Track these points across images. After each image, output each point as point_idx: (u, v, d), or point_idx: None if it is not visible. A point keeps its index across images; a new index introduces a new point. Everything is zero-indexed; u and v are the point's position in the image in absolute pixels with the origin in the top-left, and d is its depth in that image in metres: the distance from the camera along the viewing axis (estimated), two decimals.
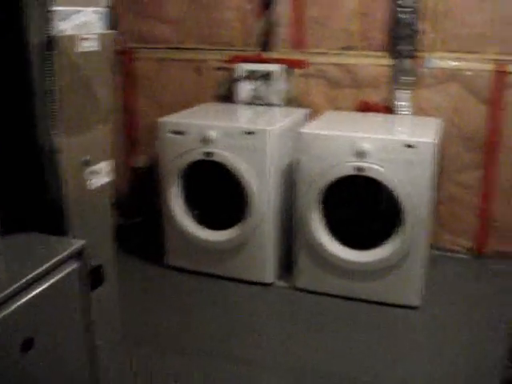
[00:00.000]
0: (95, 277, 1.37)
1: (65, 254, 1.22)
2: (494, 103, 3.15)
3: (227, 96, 3.53)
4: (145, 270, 3.26)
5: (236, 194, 2.97)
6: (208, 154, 2.93)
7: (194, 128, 2.95)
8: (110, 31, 1.47)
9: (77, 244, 1.26)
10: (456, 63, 3.16)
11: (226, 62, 3.50)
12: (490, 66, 3.11)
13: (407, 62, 3.17)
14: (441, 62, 3.17)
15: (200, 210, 3.16)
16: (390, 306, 2.87)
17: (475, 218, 3.36)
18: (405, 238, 2.74)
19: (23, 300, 1.10)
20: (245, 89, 3.44)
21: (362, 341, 2.63)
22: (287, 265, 3.17)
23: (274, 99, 3.39)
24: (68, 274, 1.22)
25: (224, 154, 2.90)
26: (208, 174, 3.09)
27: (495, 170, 3.25)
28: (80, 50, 1.37)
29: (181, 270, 3.19)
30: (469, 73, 3.15)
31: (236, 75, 3.43)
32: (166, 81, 3.64)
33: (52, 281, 1.18)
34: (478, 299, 2.99)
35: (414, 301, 2.86)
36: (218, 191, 3.15)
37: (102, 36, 1.44)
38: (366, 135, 2.73)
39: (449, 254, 3.42)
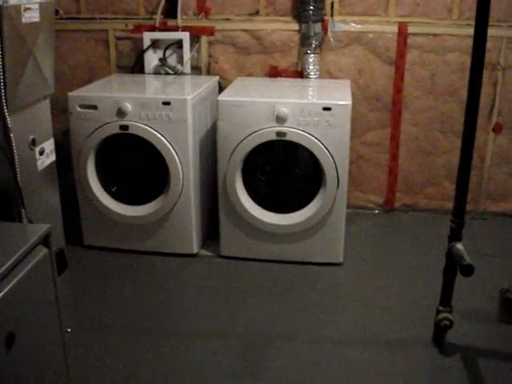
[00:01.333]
0: (60, 261, 1.31)
1: (34, 239, 1.16)
2: (397, 64, 3.29)
3: (133, 66, 3.43)
4: None
5: (156, 166, 2.92)
6: (123, 127, 2.84)
7: (107, 101, 2.84)
8: (50, 0, 1.38)
9: (43, 229, 1.20)
10: (360, 26, 3.26)
11: (130, 31, 3.39)
12: (392, 28, 3.23)
13: (313, 26, 3.22)
14: (345, 25, 3.26)
15: (119, 186, 3.08)
16: (315, 265, 2.96)
17: (384, 175, 3.52)
18: (326, 198, 2.82)
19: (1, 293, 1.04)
20: (152, 58, 3.36)
21: (290, 301, 2.70)
22: (212, 233, 3.18)
23: (183, 68, 3.34)
24: (39, 261, 1.16)
25: (140, 127, 2.83)
26: (126, 148, 3.00)
27: (400, 129, 3.41)
28: (23, 20, 1.28)
29: (102, 249, 3.11)
30: (372, 35, 3.27)
31: (141, 45, 3.34)
32: (66, 53, 3.47)
33: (25, 269, 1.12)
34: (393, 249, 3.16)
35: (338, 258, 2.97)
36: (137, 165, 3.08)
37: (42, 6, 1.35)
38: (284, 100, 2.77)
39: (362, 211, 3.57)
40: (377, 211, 3.58)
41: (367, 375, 2.23)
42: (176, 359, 2.32)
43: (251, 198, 2.92)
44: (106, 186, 3.03)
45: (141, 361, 2.30)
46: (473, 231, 3.23)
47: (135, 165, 3.09)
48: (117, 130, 2.85)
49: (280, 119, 2.73)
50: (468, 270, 2.05)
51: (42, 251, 1.19)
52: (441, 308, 2.34)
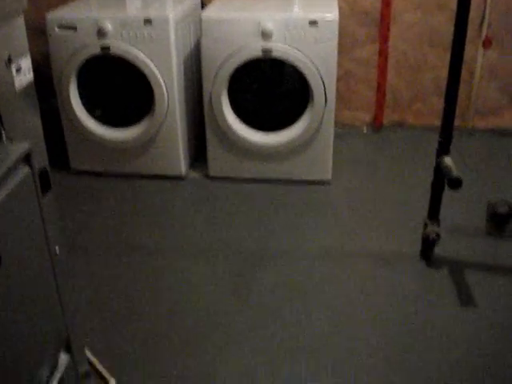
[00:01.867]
0: (43, 182, 1.29)
1: (15, 158, 1.13)
2: None
3: None
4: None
5: (140, 88, 2.86)
6: (105, 48, 2.76)
7: (87, 21, 2.75)
8: None
9: (24, 147, 1.17)
10: None
11: None
12: None
13: None
14: None
15: (103, 109, 3.02)
16: (303, 184, 2.96)
17: (372, 92, 3.47)
18: (313, 116, 2.79)
19: None
20: None
21: (279, 219, 2.72)
22: (200, 155, 3.16)
23: None
24: (22, 180, 1.14)
25: (122, 47, 2.75)
26: (109, 70, 2.93)
27: (388, 44, 3.34)
28: None
29: (89, 174, 3.09)
30: None
31: None
32: None
33: (9, 190, 1.09)
34: (382, 166, 3.16)
35: (326, 176, 2.97)
36: (121, 87, 3.01)
37: None
38: (269, 15, 2.69)
39: (351, 129, 3.55)
40: (365, 129, 3.55)
41: (355, 289, 2.27)
42: (168, 277, 2.34)
43: (238, 117, 2.88)
44: (90, 109, 2.97)
45: (133, 280, 2.33)
46: (461, 147, 3.23)
47: (119, 87, 3.03)
48: (98, 52, 2.77)
49: (265, 35, 2.65)
50: (456, 183, 2.06)
51: (24, 170, 1.17)
52: (428, 222, 2.36)
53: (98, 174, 3.08)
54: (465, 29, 2.07)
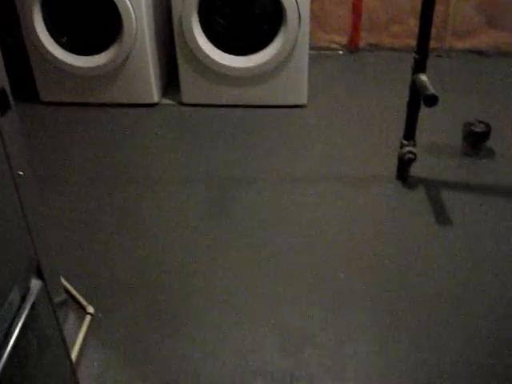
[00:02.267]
0: (2, 100, 1.23)
1: None
2: None
3: None
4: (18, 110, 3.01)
5: (107, 12, 2.75)
6: None
7: None
8: None
9: None
10: None
11: None
12: None
13: None
14: None
15: (70, 37, 2.91)
16: (279, 108, 2.92)
17: (347, 13, 3.38)
18: (287, 37, 2.72)
19: None
20: None
21: (254, 144, 2.69)
22: (172, 82, 3.08)
23: None
24: None
25: None
26: None
27: None
28: None
29: (59, 105, 3.00)
30: None
31: None
32: None
33: None
34: (358, 89, 3.12)
35: (302, 99, 2.92)
36: (87, 13, 2.89)
37: None
38: None
39: (326, 52, 3.47)
40: (341, 52, 3.48)
41: (332, 211, 2.27)
42: (147, 204, 2.32)
43: (210, 41, 2.79)
44: (56, 36, 2.86)
45: (111, 207, 2.30)
46: (438, 68, 3.19)
47: (85, 12, 2.90)
48: None
49: None
50: (431, 100, 2.03)
51: None
52: (404, 142, 2.34)
53: (69, 105, 2.99)
54: None
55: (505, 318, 1.82)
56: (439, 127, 2.72)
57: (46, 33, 2.82)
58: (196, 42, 2.75)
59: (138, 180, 2.47)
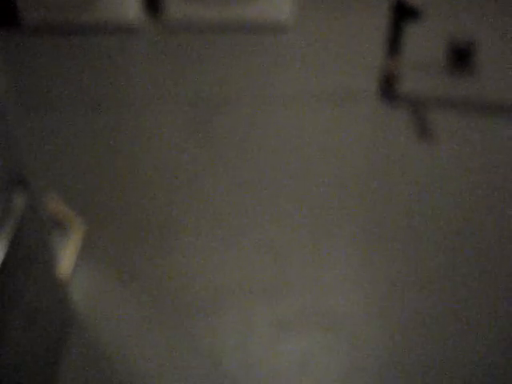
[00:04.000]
0: None
1: None
2: None
3: None
4: None
5: None
6: None
7: None
8: None
9: None
10: None
11: None
12: None
13: None
14: None
15: None
16: (261, 28, 2.87)
17: None
18: None
19: None
20: None
21: (236, 65, 2.66)
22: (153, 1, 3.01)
23: None
24: None
25: None
26: None
27: None
28: None
29: (39, 28, 2.92)
30: None
31: None
32: None
33: None
34: (339, 7, 3.06)
35: (284, 17, 2.87)
36: None
37: None
38: None
39: None
40: None
41: (314, 130, 2.27)
42: (129, 129, 2.32)
43: None
44: None
45: (95, 133, 2.30)
46: None
47: None
48: None
49: None
50: (414, 13, 2.01)
51: None
52: (388, 58, 2.33)
53: (49, 28, 2.91)
54: None
55: (487, 237, 1.87)
56: (423, 44, 2.69)
57: None
58: None
59: (121, 103, 2.46)
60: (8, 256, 1.18)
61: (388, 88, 2.39)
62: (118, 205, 1.96)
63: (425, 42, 2.70)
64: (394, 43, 2.30)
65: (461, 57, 2.56)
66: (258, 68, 2.64)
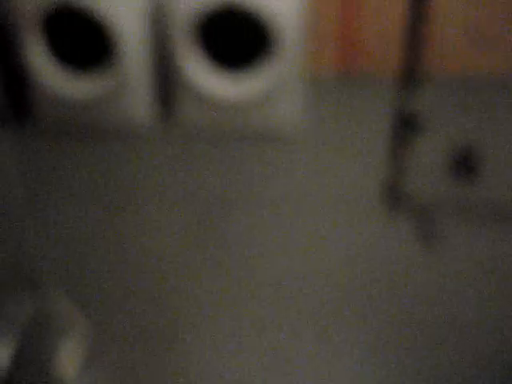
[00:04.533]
0: None
1: None
2: None
3: None
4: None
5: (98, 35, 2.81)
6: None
7: None
8: None
9: None
10: None
11: None
12: None
13: None
14: None
15: (64, 59, 2.95)
16: (268, 136, 2.95)
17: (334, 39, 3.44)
18: (280, 66, 2.78)
19: None
20: None
21: (244, 171, 2.72)
22: (166, 105, 3.12)
23: None
24: None
25: None
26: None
27: None
28: None
29: (51, 132, 3.01)
30: None
31: None
32: None
33: None
34: (346, 119, 3.15)
35: (291, 129, 2.97)
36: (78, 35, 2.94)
37: None
38: None
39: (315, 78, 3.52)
40: (330, 78, 3.52)
41: (317, 236, 2.28)
42: (135, 225, 2.34)
43: (204, 69, 2.85)
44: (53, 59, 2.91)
45: (99, 232, 2.32)
46: (423, 93, 3.21)
47: (76, 34, 2.93)
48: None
49: None
50: (416, 126, 2.05)
51: None
52: (391, 164, 2.35)
53: (64, 130, 3.00)
54: None
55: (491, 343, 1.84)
56: (426, 149, 2.72)
57: (45, 56, 2.87)
58: (189, 73, 2.84)
59: (130, 203, 2.50)
60: (14, 361, 1.17)
61: (391, 193, 2.40)
62: (124, 309, 1.95)
63: (428, 147, 2.74)
64: (397, 149, 2.34)
65: (465, 161, 2.58)
66: (264, 172, 2.69)
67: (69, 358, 1.73)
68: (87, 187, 2.61)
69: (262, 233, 2.30)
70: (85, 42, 2.95)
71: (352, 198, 2.49)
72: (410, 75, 2.22)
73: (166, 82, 2.98)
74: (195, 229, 2.33)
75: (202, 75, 2.85)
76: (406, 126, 2.22)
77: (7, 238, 1.20)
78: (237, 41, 2.97)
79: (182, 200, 2.51)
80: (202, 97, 2.89)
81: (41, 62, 2.87)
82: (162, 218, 2.40)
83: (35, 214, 2.36)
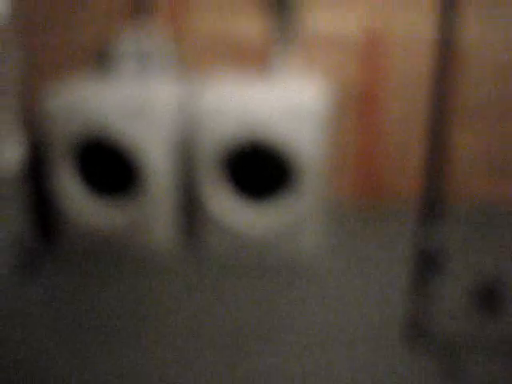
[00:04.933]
0: None
1: None
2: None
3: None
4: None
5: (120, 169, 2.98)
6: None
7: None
8: None
9: None
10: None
11: None
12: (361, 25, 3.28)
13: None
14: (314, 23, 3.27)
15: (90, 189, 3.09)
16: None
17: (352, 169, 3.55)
18: (302, 197, 2.88)
19: None
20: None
21: (261, 301, 2.74)
22: (188, 237, 3.22)
23: None
24: None
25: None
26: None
27: None
28: None
29: (77, 259, 3.10)
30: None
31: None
32: None
33: None
34: (364, 249, 3.19)
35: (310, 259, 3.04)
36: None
37: None
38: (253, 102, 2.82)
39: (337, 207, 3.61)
40: (347, 209, 3.59)
41: (337, 373, 2.25)
42: (155, 357, 2.34)
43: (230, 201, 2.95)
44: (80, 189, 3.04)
45: (119, 367, 2.32)
46: (446, 219, 3.25)
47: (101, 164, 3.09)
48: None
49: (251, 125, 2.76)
50: (439, 268, 2.06)
51: None
52: (412, 299, 2.34)
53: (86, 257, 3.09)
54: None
55: None
56: (449, 286, 2.72)
57: (75, 184, 3.01)
58: (214, 208, 2.96)
59: (148, 331, 2.50)
60: None
61: (412, 329, 2.37)
62: None
63: (451, 280, 2.74)
64: (418, 282, 2.31)
65: (489, 295, 2.56)
66: (283, 303, 2.70)
67: None
68: (105, 313, 2.62)
69: (282, 366, 2.27)
70: (112, 169, 3.09)
71: (371, 332, 2.45)
72: (430, 205, 2.23)
73: (190, 212, 3.09)
74: (221, 361, 2.31)
75: (225, 206, 2.95)
76: (427, 260, 2.20)
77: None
78: (259, 172, 3.10)
79: (206, 331, 2.50)
80: (224, 228, 2.98)
81: (71, 189, 3.01)
82: (185, 350, 2.39)
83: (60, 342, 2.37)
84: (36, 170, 3.22)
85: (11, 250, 2.44)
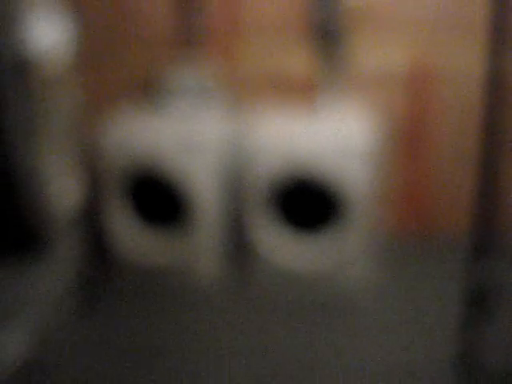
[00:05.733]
0: None
1: None
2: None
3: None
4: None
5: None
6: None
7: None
8: None
9: None
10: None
11: None
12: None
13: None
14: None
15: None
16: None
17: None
18: (350, 231, 2.89)
19: None
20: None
21: (313, 338, 2.73)
22: (234, 271, 3.24)
23: None
24: None
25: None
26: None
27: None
28: None
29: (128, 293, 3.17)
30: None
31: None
32: None
33: None
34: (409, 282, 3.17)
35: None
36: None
37: None
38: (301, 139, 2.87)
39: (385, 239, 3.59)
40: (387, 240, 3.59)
41: None
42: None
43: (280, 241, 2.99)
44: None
45: None
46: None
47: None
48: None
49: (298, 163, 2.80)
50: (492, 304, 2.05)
51: None
52: (466, 332, 2.33)
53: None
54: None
55: None
56: (500, 325, 2.68)
57: (128, 220, 3.10)
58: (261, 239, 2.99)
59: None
60: None
61: (463, 367, 2.36)
62: None
63: (502, 318, 2.70)
64: (469, 320, 2.31)
65: None
66: (330, 339, 2.69)
67: None
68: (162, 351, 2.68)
69: None
70: (162, 203, 3.17)
71: (421, 370, 2.44)
72: (480, 241, 2.23)
73: (237, 246, 3.12)
74: None
75: (272, 241, 2.99)
76: (477, 298, 2.20)
77: None
78: (307, 207, 3.13)
79: (253, 367, 2.53)
80: (272, 262, 3.01)
81: (124, 223, 3.10)
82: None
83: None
84: (93, 206, 3.32)
85: (71, 285, 2.53)
